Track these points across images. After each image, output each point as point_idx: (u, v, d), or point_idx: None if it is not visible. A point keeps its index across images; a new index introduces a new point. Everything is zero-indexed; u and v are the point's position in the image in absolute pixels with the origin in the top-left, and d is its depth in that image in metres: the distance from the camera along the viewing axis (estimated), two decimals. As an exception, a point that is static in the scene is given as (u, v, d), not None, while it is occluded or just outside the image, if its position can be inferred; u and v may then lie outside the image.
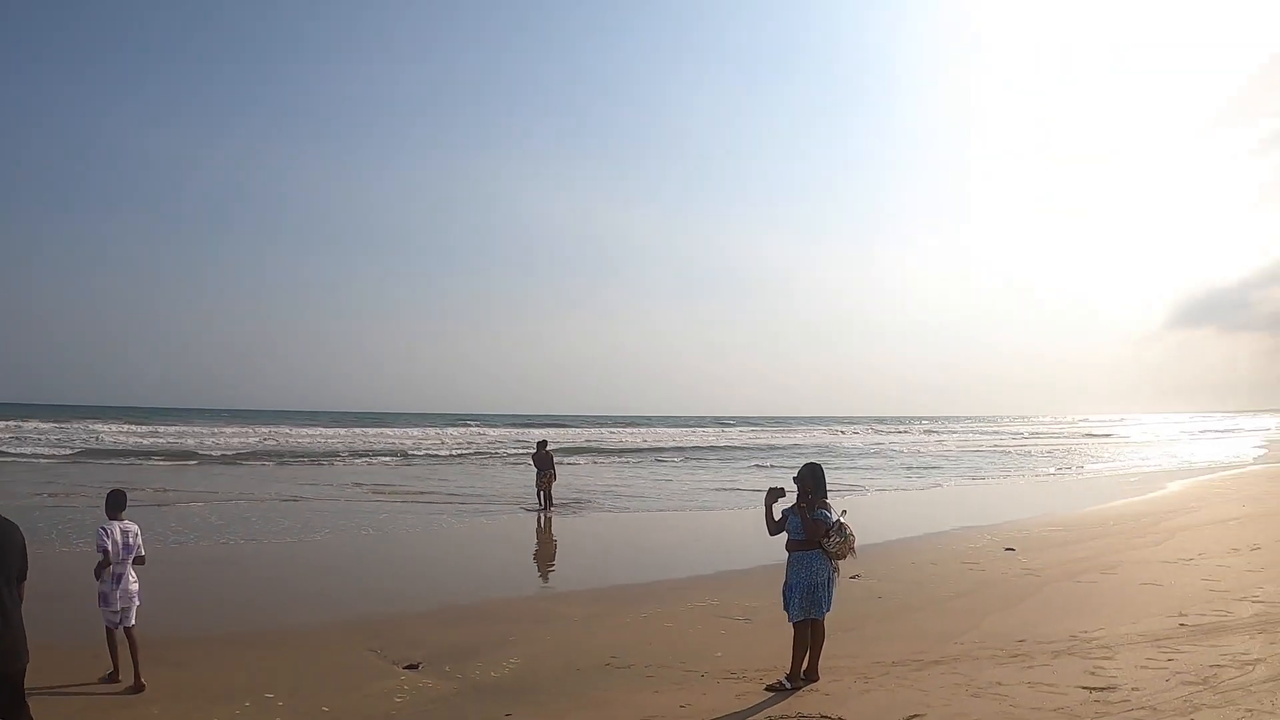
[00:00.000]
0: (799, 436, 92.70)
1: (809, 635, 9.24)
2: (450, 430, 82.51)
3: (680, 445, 70.24)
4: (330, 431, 71.20)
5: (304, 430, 72.23)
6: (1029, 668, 9.77)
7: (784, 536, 9.54)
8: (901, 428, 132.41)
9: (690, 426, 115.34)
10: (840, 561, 9.44)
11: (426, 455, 53.59)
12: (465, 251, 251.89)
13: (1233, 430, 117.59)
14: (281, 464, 45.44)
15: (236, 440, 57.87)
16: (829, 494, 9.75)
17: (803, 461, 10.47)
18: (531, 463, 28.34)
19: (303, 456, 49.95)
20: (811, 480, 9.45)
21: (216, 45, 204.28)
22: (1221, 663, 9.65)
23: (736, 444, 75.12)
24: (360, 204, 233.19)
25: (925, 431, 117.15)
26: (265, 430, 68.14)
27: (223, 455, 48.60)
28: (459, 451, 57.47)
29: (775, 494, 9.55)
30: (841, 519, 9.35)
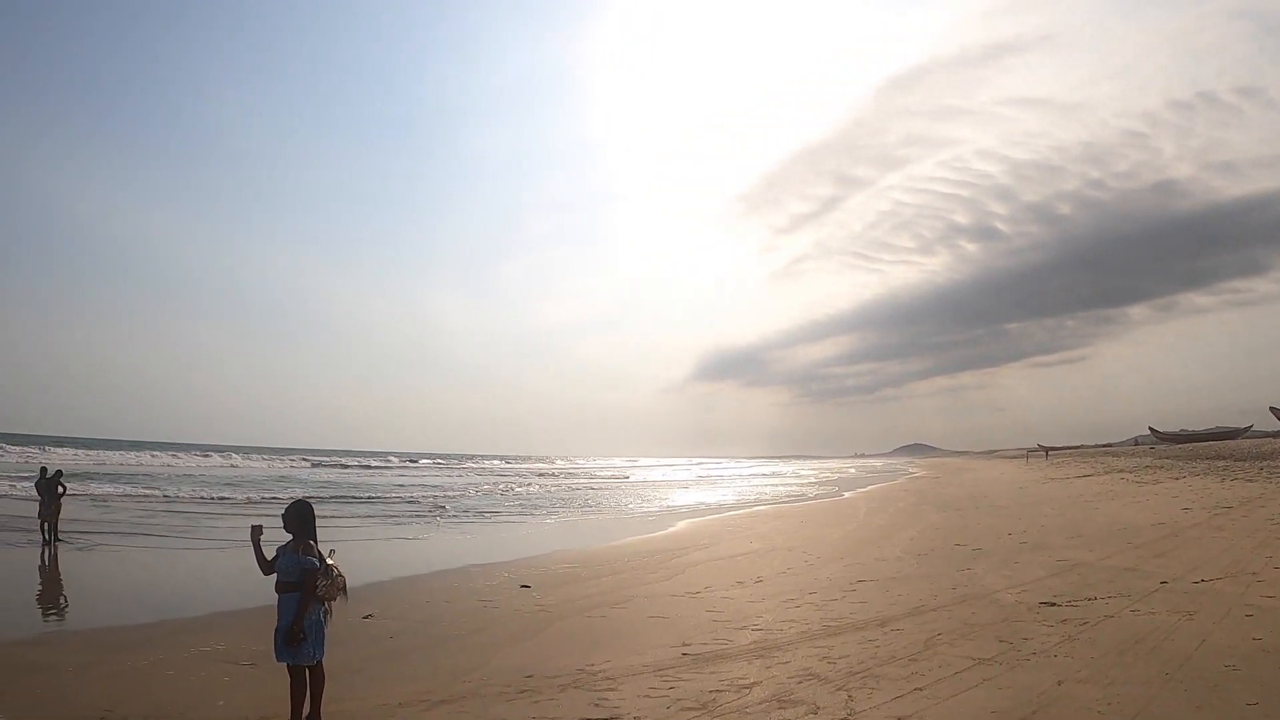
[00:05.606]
0: (322, 474, 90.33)
1: (305, 679, 8.88)
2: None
3: (205, 475, 67.30)
4: None
5: None
6: (536, 702, 9.76)
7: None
8: (440, 463, 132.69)
9: (224, 454, 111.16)
10: (332, 603, 9.09)
11: None
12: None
13: (747, 474, 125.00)
14: None
15: None
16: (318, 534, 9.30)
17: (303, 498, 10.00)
18: (35, 491, 26.29)
19: None
20: (297, 520, 9.01)
21: None
22: (720, 688, 10.05)
23: (260, 475, 72.32)
24: None
25: (466, 468, 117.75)
26: None
27: None
28: None
29: (257, 531, 9.07)
30: (330, 560, 9.02)
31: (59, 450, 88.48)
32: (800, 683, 10.15)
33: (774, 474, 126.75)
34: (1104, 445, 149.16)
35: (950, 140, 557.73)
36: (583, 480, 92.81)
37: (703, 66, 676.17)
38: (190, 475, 67.72)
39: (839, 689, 9.78)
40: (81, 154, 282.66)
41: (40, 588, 19.37)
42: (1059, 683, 9.66)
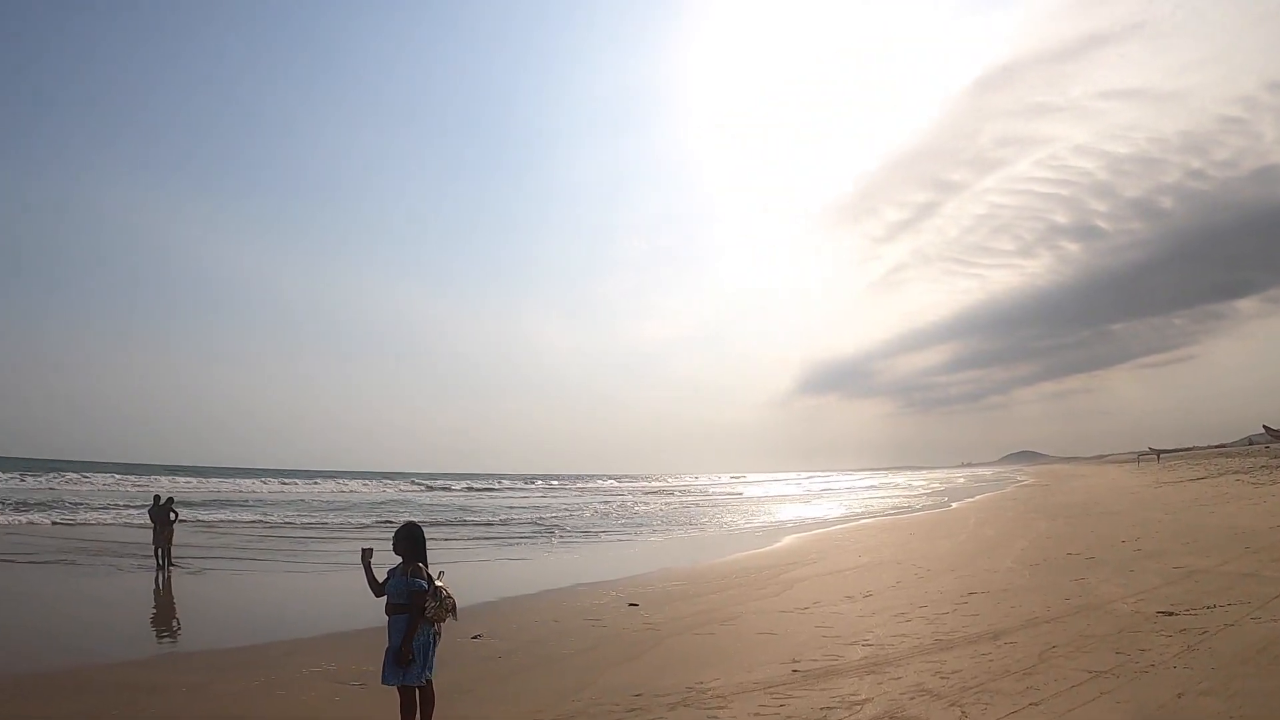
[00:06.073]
0: (431, 497, 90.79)
1: (415, 699, 8.91)
2: (81, 476, 77.82)
3: (319, 499, 68.23)
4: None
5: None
6: (646, 721, 9.76)
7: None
8: (544, 483, 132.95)
9: (335, 479, 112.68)
10: (441, 624, 9.10)
11: (18, 504, 47.80)
12: (94, 280, 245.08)
13: (853, 487, 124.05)
14: None
15: None
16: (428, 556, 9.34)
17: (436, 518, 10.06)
18: (148, 518, 26.85)
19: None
20: (407, 543, 9.06)
21: None
22: (832, 705, 9.95)
23: (369, 499, 73.12)
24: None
25: (578, 488, 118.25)
26: None
27: None
28: (83, 502, 52.40)
29: (368, 554, 9.17)
30: (438, 582, 9.04)
31: (184, 479, 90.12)
32: (913, 699, 10.01)
33: (880, 486, 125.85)
34: (1217, 446, 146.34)
35: (1045, 138, 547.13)
36: (691, 497, 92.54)
37: (788, 79, 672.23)
38: (301, 500, 68.58)
39: (952, 705, 9.63)
40: (169, 193, 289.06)
41: (154, 611, 19.78)
42: (1179, 695, 9.42)
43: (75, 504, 49.65)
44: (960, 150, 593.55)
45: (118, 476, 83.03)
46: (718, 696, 10.70)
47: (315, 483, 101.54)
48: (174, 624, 18.22)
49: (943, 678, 10.94)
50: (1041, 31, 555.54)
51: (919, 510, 56.40)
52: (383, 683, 8.82)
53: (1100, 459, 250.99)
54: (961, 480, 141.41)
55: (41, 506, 46.54)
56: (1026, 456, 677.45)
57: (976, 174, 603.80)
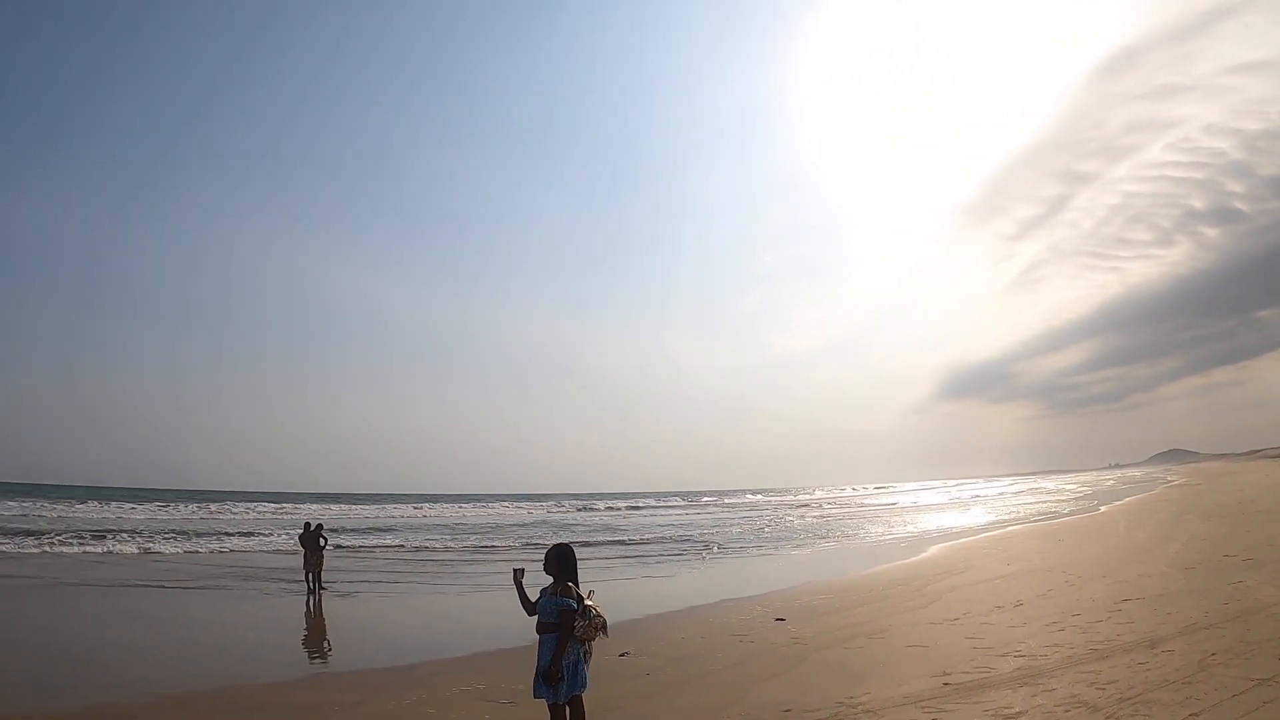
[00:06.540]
0: (579, 517, 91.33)
1: (565, 716, 8.96)
2: (233, 505, 79.80)
3: (467, 522, 69.10)
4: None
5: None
6: (794, 737, 9.70)
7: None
8: (690, 500, 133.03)
9: (481, 503, 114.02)
10: (591, 643, 9.15)
11: (174, 533, 48.29)
12: (240, 318, 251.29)
13: (997, 493, 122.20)
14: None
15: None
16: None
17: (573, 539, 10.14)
18: (299, 544, 27.50)
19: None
20: (558, 563, 9.12)
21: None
22: (985, 718, 9.77)
23: (516, 521, 73.88)
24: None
25: (711, 504, 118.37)
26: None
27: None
28: (235, 530, 53.87)
29: (520, 574, 9.24)
30: (588, 601, 9.08)
31: (335, 506, 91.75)
32: (1068, 711, 9.81)
33: (1025, 490, 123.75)
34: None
35: (1175, 120, 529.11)
36: (836, 509, 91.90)
37: (907, 81, 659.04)
38: (449, 524, 69.30)
39: (1109, 717, 9.42)
40: (303, 227, 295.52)
41: (306, 632, 20.33)
42: (1348, 703, 9.08)
43: (226, 532, 50.81)
44: (1088, 140, 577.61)
45: (273, 506, 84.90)
46: (868, 711, 10.59)
47: (461, 507, 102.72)
48: (325, 645, 18.66)
49: (1098, 689, 10.69)
50: (1160, 9, 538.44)
51: (1066, 515, 55.54)
52: (534, 696, 8.91)
53: (1252, 454, 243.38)
54: (1110, 482, 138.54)
55: (192, 535, 47.75)
56: (1176, 455, 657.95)
57: (1107, 163, 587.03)
